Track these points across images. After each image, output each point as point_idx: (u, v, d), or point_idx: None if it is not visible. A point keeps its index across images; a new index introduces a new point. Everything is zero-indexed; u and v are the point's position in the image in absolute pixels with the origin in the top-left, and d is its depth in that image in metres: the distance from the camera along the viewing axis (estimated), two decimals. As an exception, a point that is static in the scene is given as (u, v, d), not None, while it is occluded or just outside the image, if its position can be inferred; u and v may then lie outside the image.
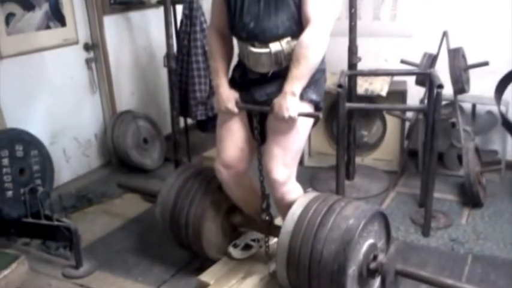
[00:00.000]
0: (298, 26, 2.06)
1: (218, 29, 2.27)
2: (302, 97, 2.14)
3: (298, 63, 2.03)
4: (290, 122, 2.10)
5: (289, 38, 2.08)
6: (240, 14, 2.11)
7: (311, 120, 2.23)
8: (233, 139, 2.32)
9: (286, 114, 2.07)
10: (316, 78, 2.19)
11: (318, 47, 2.04)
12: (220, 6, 2.22)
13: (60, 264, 2.71)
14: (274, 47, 2.09)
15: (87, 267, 2.66)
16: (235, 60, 2.35)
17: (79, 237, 2.65)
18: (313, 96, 2.19)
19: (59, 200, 3.33)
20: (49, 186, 2.82)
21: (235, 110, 2.25)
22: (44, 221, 2.64)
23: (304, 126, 2.21)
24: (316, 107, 2.22)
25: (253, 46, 2.13)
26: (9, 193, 2.60)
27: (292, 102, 2.06)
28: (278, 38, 2.08)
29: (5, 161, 2.59)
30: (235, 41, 2.28)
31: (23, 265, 2.44)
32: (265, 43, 2.10)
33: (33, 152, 2.74)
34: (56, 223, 2.62)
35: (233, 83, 2.29)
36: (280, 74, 2.12)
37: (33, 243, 2.88)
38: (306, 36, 2.02)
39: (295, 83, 2.05)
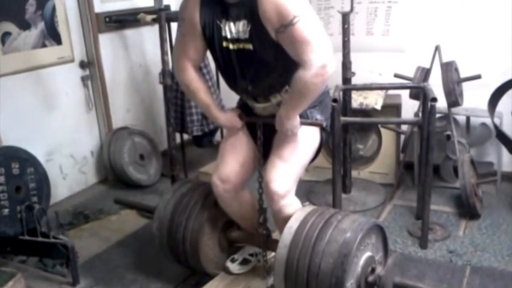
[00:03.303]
0: (293, 72, 1.97)
1: (194, 65, 2.24)
2: (307, 116, 2.19)
3: (293, 95, 2.03)
4: (294, 134, 2.16)
5: (287, 87, 2.11)
6: (234, 79, 2.16)
7: (316, 140, 2.27)
8: (235, 154, 2.34)
9: (290, 134, 2.13)
10: (321, 98, 2.24)
11: (312, 85, 1.94)
12: (195, 44, 2.17)
13: (57, 281, 2.67)
14: (275, 99, 2.17)
15: (84, 284, 2.64)
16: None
17: (76, 254, 2.63)
18: (318, 116, 2.24)
19: (55, 217, 3.33)
20: (45, 204, 2.81)
21: (243, 125, 2.32)
22: (40, 239, 2.62)
23: (309, 143, 2.25)
24: (321, 127, 2.26)
25: (256, 101, 2.21)
26: (6, 211, 2.59)
27: (290, 124, 2.10)
28: (277, 92, 2.15)
29: (1, 179, 2.58)
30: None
31: (19, 283, 2.41)
32: (266, 97, 2.18)
33: (29, 169, 2.73)
34: (52, 240, 2.61)
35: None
36: None
37: (29, 260, 2.85)
38: (300, 75, 1.93)
39: (290, 112, 2.07)
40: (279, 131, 2.17)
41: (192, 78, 2.25)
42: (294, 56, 1.95)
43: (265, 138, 2.28)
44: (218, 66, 2.21)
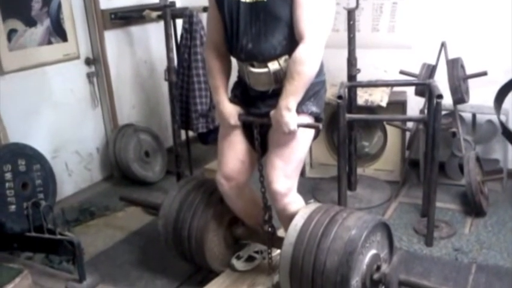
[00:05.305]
0: (294, 44, 2.05)
1: (215, 45, 2.27)
2: (302, 110, 2.16)
3: (292, 79, 2.04)
4: (291, 134, 2.13)
5: (286, 56, 2.09)
6: (237, 35, 2.13)
7: (312, 132, 2.24)
8: (234, 152, 2.34)
9: (286, 130, 2.10)
10: (316, 90, 2.21)
11: (311, 63, 2.03)
12: (216, 24, 2.22)
13: (64, 278, 2.69)
14: (273, 66, 2.11)
15: (90, 281, 2.64)
16: (234, 75, 2.37)
17: (82, 250, 2.63)
18: (313, 108, 2.21)
19: (61, 213, 3.35)
20: (52, 200, 2.82)
21: (238, 124, 2.28)
22: (46, 235, 2.63)
23: (305, 137, 2.22)
24: (317, 119, 2.23)
25: (253, 66, 2.16)
26: (12, 207, 2.60)
27: (288, 117, 2.07)
28: (276, 57, 2.11)
29: (8, 176, 2.59)
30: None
31: (26, 279, 2.43)
32: (263, 63, 2.12)
33: (35, 166, 2.74)
34: (58, 237, 2.62)
35: (234, 98, 2.32)
36: (280, 90, 2.13)
37: (36, 257, 2.87)
38: (299, 52, 2.01)
39: (290, 98, 2.06)
40: (275, 129, 2.15)
41: (209, 56, 2.29)
42: (295, 23, 2.01)
43: (260, 135, 2.26)
44: (223, 26, 2.19)
